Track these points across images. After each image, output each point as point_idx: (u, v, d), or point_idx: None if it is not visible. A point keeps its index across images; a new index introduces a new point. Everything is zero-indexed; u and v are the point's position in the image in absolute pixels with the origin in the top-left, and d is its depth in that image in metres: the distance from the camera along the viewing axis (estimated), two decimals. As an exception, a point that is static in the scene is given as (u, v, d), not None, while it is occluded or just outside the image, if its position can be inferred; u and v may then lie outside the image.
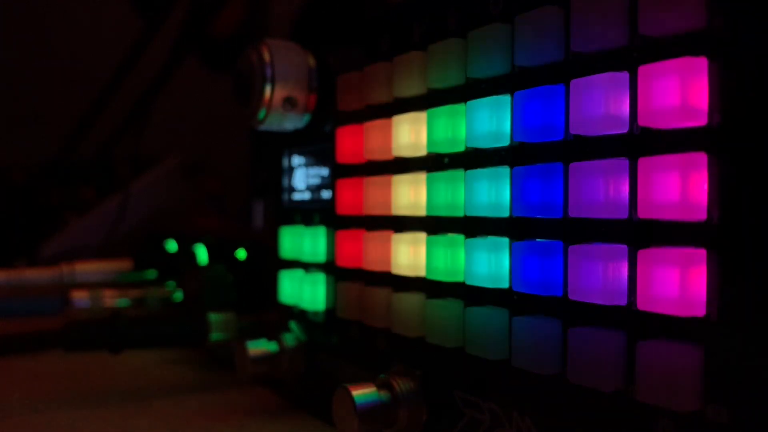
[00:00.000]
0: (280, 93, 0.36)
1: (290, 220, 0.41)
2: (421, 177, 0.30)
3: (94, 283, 0.57)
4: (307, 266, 0.38)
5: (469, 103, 0.27)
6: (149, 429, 0.37)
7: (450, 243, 0.28)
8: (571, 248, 0.23)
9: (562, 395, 0.24)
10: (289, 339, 0.38)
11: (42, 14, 1.23)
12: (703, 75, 0.20)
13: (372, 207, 0.33)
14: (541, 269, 0.24)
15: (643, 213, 0.21)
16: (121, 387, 0.46)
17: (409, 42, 0.32)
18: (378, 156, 0.33)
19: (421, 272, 0.30)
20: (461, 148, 0.28)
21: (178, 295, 0.52)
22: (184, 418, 0.39)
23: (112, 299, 0.51)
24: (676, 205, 0.20)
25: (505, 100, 0.26)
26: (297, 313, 0.39)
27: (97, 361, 0.48)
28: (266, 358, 0.38)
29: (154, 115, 0.92)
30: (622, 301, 0.22)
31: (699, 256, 0.20)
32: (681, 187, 0.20)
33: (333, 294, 0.36)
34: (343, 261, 0.35)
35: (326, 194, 0.37)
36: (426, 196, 0.30)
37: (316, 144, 0.38)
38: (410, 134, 0.31)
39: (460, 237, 0.28)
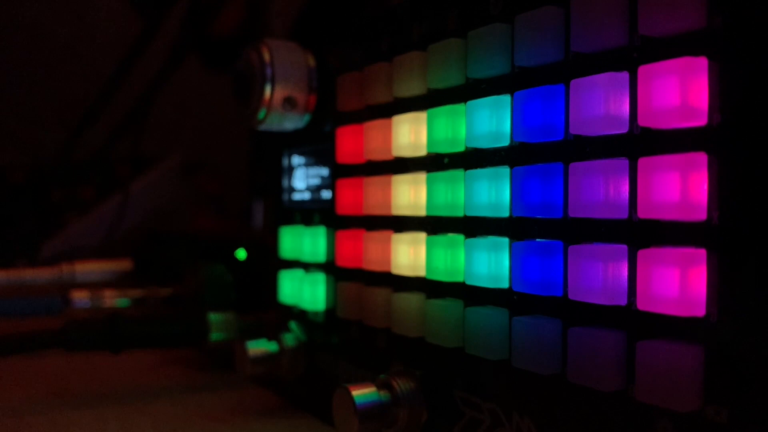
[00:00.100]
0: (280, 93, 0.36)
1: (290, 220, 0.41)
2: (421, 177, 0.30)
3: (94, 283, 0.57)
4: (307, 266, 0.38)
5: (469, 103, 0.27)
6: (149, 429, 0.37)
7: (450, 243, 0.28)
8: (571, 248, 0.23)
9: (562, 395, 0.24)
10: (289, 339, 0.38)
11: (42, 14, 1.23)
12: (703, 75, 0.20)
13: (372, 207, 0.33)
14: (541, 269, 0.24)
15: (643, 213, 0.21)
16: (121, 387, 0.46)
17: (409, 42, 0.32)
18: (378, 156, 0.33)
19: (421, 272, 0.30)
20: (461, 148, 0.28)
21: (178, 296, 0.52)
22: (184, 418, 0.39)
23: (112, 299, 0.51)
24: (676, 205, 0.20)
25: (505, 100, 0.26)
26: (297, 313, 0.39)
27: (97, 361, 0.48)
28: (266, 358, 0.38)
29: (154, 115, 0.92)
30: (622, 301, 0.22)
31: (699, 256, 0.20)
32: (681, 187, 0.20)
33: (333, 294, 0.36)
34: (343, 261, 0.35)
35: (326, 194, 0.37)
36: (426, 196, 0.30)
37: (316, 144, 0.38)
38: (410, 134, 0.31)
39: (460, 237, 0.28)
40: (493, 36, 0.26)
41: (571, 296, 0.23)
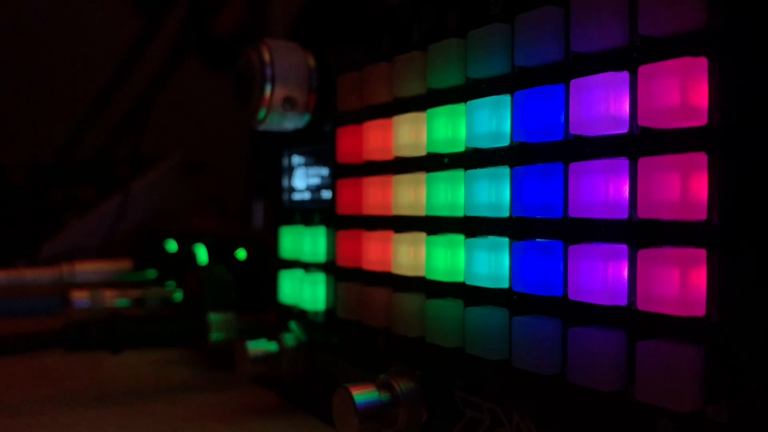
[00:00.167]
0: (280, 93, 0.36)
1: (290, 220, 0.41)
2: (421, 177, 0.30)
3: (94, 283, 0.57)
4: (307, 266, 0.38)
5: (469, 103, 0.27)
6: (149, 429, 0.37)
7: (450, 243, 0.28)
8: (571, 248, 0.23)
9: (562, 395, 0.24)
10: (289, 339, 0.38)
11: (42, 14, 1.23)
12: (703, 75, 0.20)
13: (372, 207, 0.33)
14: (541, 269, 0.24)
15: (643, 213, 0.21)
16: (121, 387, 0.46)
17: (409, 42, 0.32)
18: (378, 156, 0.33)
19: (421, 272, 0.30)
20: (461, 148, 0.28)
21: (178, 295, 0.52)
22: (184, 418, 0.39)
23: (112, 299, 0.51)
24: (676, 205, 0.20)
25: (505, 100, 0.26)
26: (297, 313, 0.39)
27: (97, 361, 0.48)
28: (266, 358, 0.38)
29: (154, 115, 0.92)
30: (622, 301, 0.22)
31: (699, 256, 0.20)
32: (681, 187, 0.20)
33: (333, 294, 0.36)
34: (343, 261, 0.35)
35: (326, 194, 0.37)
36: (426, 196, 0.30)
37: (316, 144, 0.38)
38: (410, 134, 0.31)
39: (460, 237, 0.28)
40: (493, 36, 0.26)
41: (571, 296, 0.23)
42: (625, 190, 0.22)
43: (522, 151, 0.26)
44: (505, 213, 0.26)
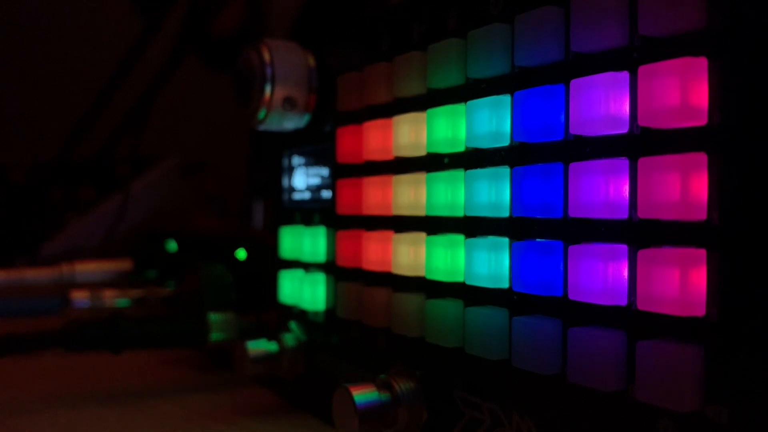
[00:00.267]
0: (280, 93, 0.36)
1: (290, 220, 0.41)
2: (421, 177, 0.30)
3: (94, 283, 0.57)
4: (307, 266, 0.38)
5: (469, 103, 0.27)
6: (150, 429, 0.37)
7: (450, 243, 0.28)
8: (571, 248, 0.23)
9: (562, 395, 0.24)
10: (289, 339, 0.38)
11: (42, 14, 1.23)
12: (703, 75, 0.20)
13: (372, 207, 0.33)
14: (541, 269, 0.24)
15: (643, 213, 0.21)
16: (121, 387, 0.46)
17: (409, 42, 0.32)
18: (378, 156, 0.33)
19: (421, 272, 0.30)
20: (461, 148, 0.28)
21: (178, 295, 0.52)
22: (184, 418, 0.39)
23: (112, 299, 0.51)
24: (676, 205, 0.20)
25: (505, 100, 0.26)
26: (297, 313, 0.39)
27: (97, 361, 0.48)
28: (266, 358, 0.38)
29: (154, 115, 0.92)
30: (622, 301, 0.22)
31: (699, 256, 0.20)
32: (681, 187, 0.20)
33: (333, 294, 0.36)
34: (343, 261, 0.35)
35: (326, 194, 0.37)
36: (426, 196, 0.30)
37: (316, 144, 0.38)
38: (410, 134, 0.31)
39: (460, 237, 0.28)
40: (493, 36, 0.26)
41: (571, 296, 0.23)
42: (625, 190, 0.22)
43: (522, 151, 0.26)
44: (505, 213, 0.26)
